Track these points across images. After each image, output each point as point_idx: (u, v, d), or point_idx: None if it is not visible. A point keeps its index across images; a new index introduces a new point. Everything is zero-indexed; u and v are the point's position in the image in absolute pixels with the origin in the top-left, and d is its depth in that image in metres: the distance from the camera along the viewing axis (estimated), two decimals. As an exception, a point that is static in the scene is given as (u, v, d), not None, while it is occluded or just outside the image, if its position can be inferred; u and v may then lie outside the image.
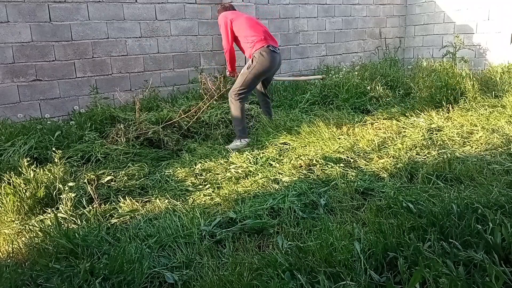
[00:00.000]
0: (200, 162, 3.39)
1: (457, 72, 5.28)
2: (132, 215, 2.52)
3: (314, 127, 3.93)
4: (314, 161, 3.21)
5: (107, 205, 2.68)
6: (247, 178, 3.04)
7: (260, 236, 2.20)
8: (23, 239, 2.26)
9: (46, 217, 2.50)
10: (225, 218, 2.35)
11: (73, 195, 2.61)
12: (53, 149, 3.04)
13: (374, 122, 4.34)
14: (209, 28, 5.39)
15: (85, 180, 2.91)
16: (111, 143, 3.56)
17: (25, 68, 4.21)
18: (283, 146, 3.71)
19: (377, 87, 5.27)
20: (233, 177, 3.07)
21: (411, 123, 4.14)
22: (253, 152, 3.55)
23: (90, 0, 4.45)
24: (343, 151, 3.41)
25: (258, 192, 2.74)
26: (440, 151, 3.26)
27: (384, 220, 2.11)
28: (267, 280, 1.70)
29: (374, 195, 2.60)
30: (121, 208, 2.63)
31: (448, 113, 4.52)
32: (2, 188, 2.65)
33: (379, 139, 3.61)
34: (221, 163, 3.39)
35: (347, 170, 3.00)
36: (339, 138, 3.73)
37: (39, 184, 2.68)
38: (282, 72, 6.27)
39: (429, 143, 3.50)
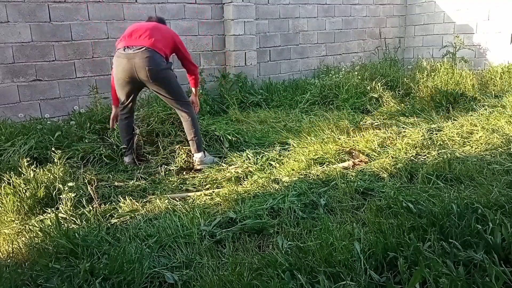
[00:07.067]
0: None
1: (457, 72, 5.28)
2: (132, 215, 2.52)
3: (314, 127, 3.93)
4: (314, 161, 3.21)
5: (107, 205, 2.68)
6: (247, 178, 3.04)
7: (260, 236, 2.20)
8: (23, 239, 2.26)
9: (46, 217, 2.50)
10: (225, 218, 2.35)
11: (73, 195, 2.61)
12: (53, 149, 3.04)
13: (374, 122, 4.34)
14: (209, 28, 5.39)
15: (85, 180, 2.91)
16: (107, 148, 3.53)
17: (25, 68, 4.20)
18: (283, 146, 3.71)
19: (377, 87, 5.27)
20: (233, 177, 3.07)
21: (411, 123, 4.14)
22: (253, 152, 3.55)
23: (90, 0, 4.45)
24: (343, 151, 3.41)
25: (258, 192, 2.74)
26: (440, 151, 3.26)
27: (384, 220, 2.11)
28: (267, 280, 1.70)
29: (374, 195, 2.59)
30: (121, 208, 2.63)
31: (448, 113, 4.52)
32: (2, 188, 2.65)
33: (379, 139, 3.61)
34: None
35: (347, 170, 3.00)
36: (339, 138, 3.73)
37: (39, 184, 2.68)
38: (282, 72, 6.28)
39: (429, 143, 3.49)
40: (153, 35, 3.13)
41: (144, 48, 3.05)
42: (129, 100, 3.30)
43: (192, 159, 3.38)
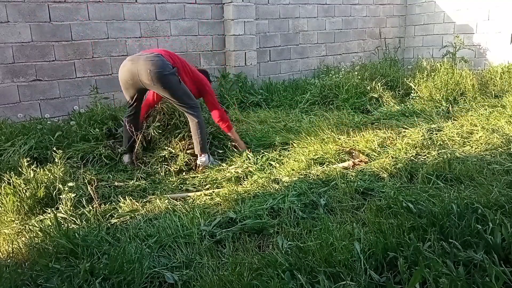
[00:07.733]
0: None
1: (457, 72, 5.28)
2: (132, 215, 2.52)
3: (314, 127, 3.93)
4: (314, 161, 3.20)
5: (107, 205, 2.68)
6: (247, 178, 3.04)
7: (260, 236, 2.20)
8: (23, 239, 2.26)
9: (46, 217, 2.50)
10: (225, 218, 2.35)
11: (73, 195, 2.61)
12: (54, 149, 3.04)
13: (374, 122, 4.34)
14: (209, 28, 5.39)
15: (85, 180, 2.90)
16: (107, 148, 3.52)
17: (25, 68, 4.21)
18: (283, 146, 3.71)
19: (377, 87, 5.27)
20: (233, 177, 3.07)
21: (411, 123, 4.14)
22: (253, 152, 3.55)
23: (90, 0, 4.45)
24: (343, 151, 3.41)
25: (258, 192, 2.74)
26: (440, 151, 3.26)
27: (384, 220, 2.11)
28: (267, 280, 1.70)
29: (374, 195, 2.60)
30: (121, 208, 2.63)
31: (448, 113, 4.52)
32: (2, 188, 2.65)
33: (379, 139, 3.61)
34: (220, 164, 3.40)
35: (347, 170, 3.00)
36: (339, 138, 3.73)
37: (39, 184, 2.68)
38: (282, 72, 6.28)
39: (429, 143, 3.50)
40: (173, 56, 3.31)
41: (151, 54, 3.12)
42: (134, 100, 3.32)
43: (195, 161, 3.38)
